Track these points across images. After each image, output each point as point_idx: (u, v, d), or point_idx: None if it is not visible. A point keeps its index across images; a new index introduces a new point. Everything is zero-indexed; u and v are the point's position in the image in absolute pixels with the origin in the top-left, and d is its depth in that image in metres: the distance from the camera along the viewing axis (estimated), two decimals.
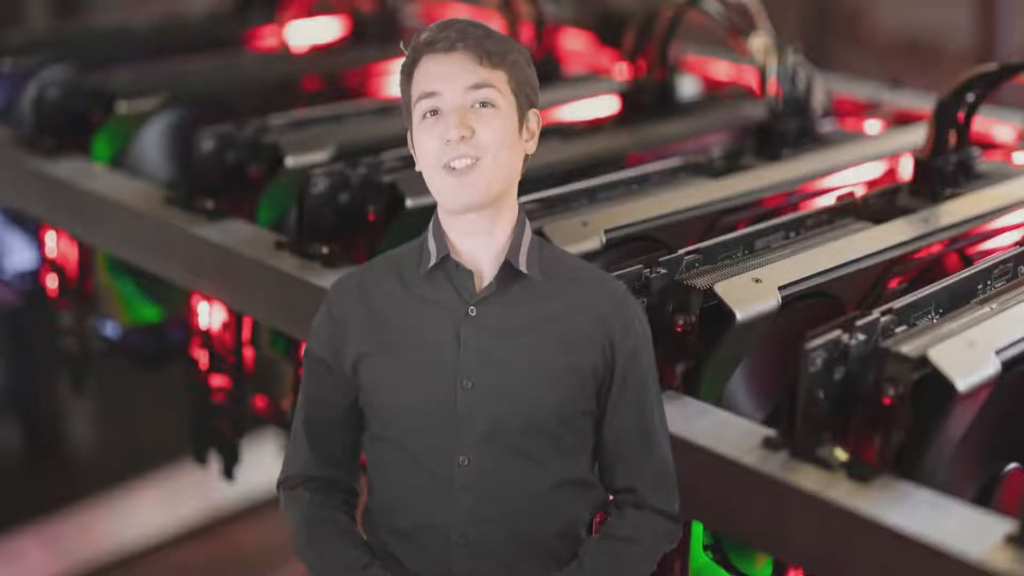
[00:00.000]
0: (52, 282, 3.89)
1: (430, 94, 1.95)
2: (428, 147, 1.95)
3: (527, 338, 1.97)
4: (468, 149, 1.93)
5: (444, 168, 1.94)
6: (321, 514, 2.06)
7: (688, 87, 4.02)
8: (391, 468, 2.02)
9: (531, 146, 2.02)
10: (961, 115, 3.12)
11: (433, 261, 1.99)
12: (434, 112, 1.95)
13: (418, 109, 1.96)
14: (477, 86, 1.94)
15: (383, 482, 2.04)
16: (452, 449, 1.97)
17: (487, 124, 1.94)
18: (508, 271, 1.99)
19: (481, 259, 2.00)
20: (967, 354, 2.21)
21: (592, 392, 2.00)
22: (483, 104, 1.94)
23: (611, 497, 2.09)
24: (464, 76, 1.94)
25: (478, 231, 1.98)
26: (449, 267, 2.00)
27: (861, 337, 2.19)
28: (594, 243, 2.78)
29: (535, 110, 2.02)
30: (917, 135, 3.38)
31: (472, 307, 1.98)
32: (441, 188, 1.96)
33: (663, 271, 2.47)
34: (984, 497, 2.29)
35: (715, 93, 4.13)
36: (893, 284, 2.76)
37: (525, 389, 1.96)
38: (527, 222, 2.03)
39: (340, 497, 2.09)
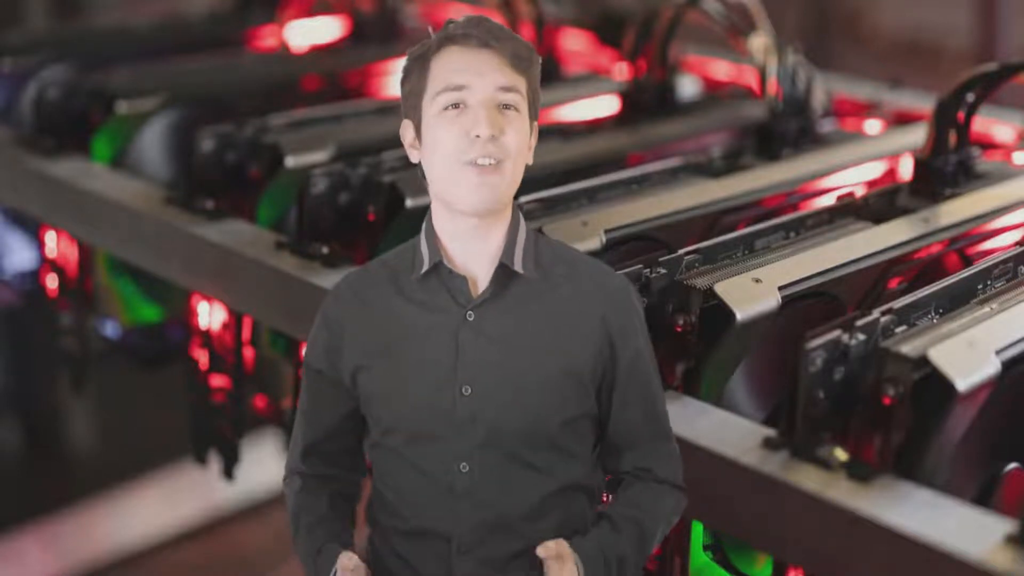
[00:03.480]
0: (52, 282, 3.89)
1: (458, 87, 1.91)
2: (446, 141, 1.91)
3: (525, 342, 1.96)
4: (495, 149, 1.90)
5: (467, 164, 1.90)
6: (302, 501, 2.07)
7: (688, 87, 4.02)
8: (392, 474, 2.01)
9: (530, 156, 2.01)
10: (961, 115, 3.12)
11: (426, 267, 1.97)
12: (456, 105, 1.91)
13: (438, 101, 1.92)
14: (506, 88, 1.91)
15: (385, 488, 2.03)
16: (452, 455, 1.96)
17: (513, 127, 1.92)
18: (504, 272, 1.97)
19: (475, 263, 1.98)
20: (967, 354, 2.21)
21: (591, 393, 1.99)
22: (507, 106, 1.92)
23: (620, 474, 2.07)
24: (496, 75, 1.91)
25: (474, 236, 1.96)
26: (443, 273, 1.98)
27: (861, 337, 2.19)
28: (594, 243, 2.78)
29: (536, 123, 2.01)
30: (917, 135, 3.38)
31: (470, 312, 1.96)
32: (460, 184, 1.91)
33: (663, 271, 2.47)
34: (984, 497, 2.29)
35: (715, 93, 4.13)
36: (893, 284, 2.76)
37: (524, 394, 1.95)
38: (522, 220, 2.01)
39: (331, 486, 2.09)
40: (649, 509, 2.01)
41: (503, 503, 1.96)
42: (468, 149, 1.90)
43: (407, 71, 1.98)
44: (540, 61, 2.00)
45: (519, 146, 1.93)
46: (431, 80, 1.94)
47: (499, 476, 1.96)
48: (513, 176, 1.93)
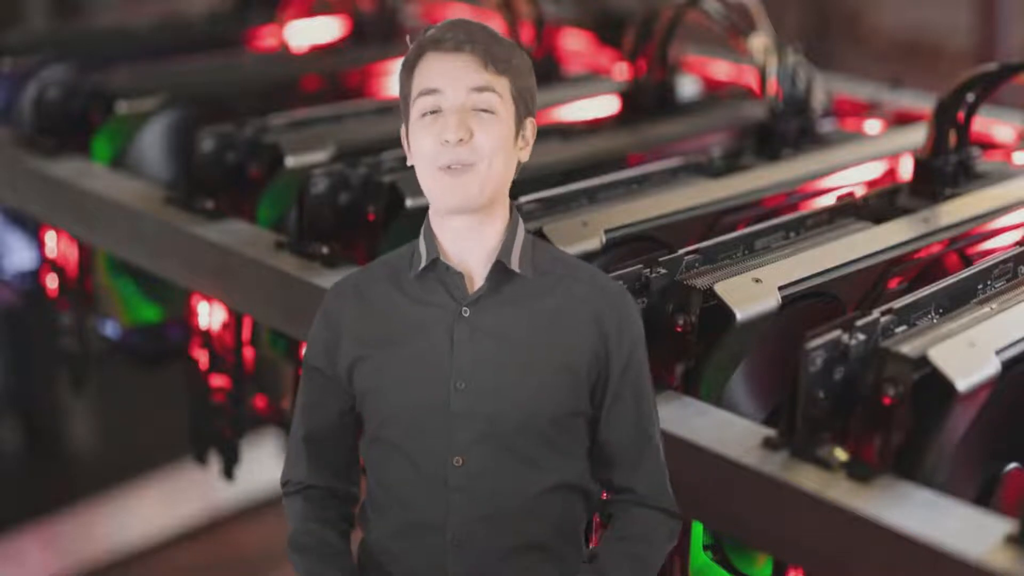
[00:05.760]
0: (52, 282, 3.89)
1: (432, 91, 1.94)
2: (424, 146, 1.95)
3: (520, 338, 1.97)
4: (465, 154, 1.92)
5: (439, 169, 1.94)
6: (310, 530, 2.08)
7: (688, 87, 4.02)
8: (387, 469, 2.02)
9: (525, 154, 2.02)
10: (961, 115, 3.12)
11: (423, 263, 2.00)
12: (434, 111, 1.94)
13: (417, 106, 1.96)
14: (480, 89, 1.94)
15: (379, 483, 2.04)
16: (446, 449, 1.97)
17: (486, 129, 1.94)
18: (500, 271, 1.99)
19: (472, 261, 1.99)
20: (967, 354, 2.21)
21: (586, 392, 1.99)
22: (483, 109, 1.94)
23: (606, 496, 2.09)
24: (468, 77, 1.93)
25: (468, 234, 1.98)
26: (440, 269, 1.99)
27: (861, 337, 2.19)
28: (594, 243, 2.78)
29: (532, 119, 2.02)
30: (917, 135, 3.38)
31: (465, 308, 1.98)
32: (433, 187, 1.96)
33: (663, 271, 2.47)
34: (984, 497, 2.29)
35: (715, 93, 4.13)
36: (893, 284, 2.76)
37: (519, 389, 1.96)
38: (520, 221, 2.03)
39: (336, 511, 2.10)
40: (640, 537, 2.03)
41: (498, 497, 1.97)
42: (440, 155, 1.93)
43: (399, 78, 2.02)
44: (526, 58, 2.00)
45: (495, 147, 1.94)
46: (412, 87, 1.97)
47: (494, 470, 1.97)
48: (489, 175, 1.94)
